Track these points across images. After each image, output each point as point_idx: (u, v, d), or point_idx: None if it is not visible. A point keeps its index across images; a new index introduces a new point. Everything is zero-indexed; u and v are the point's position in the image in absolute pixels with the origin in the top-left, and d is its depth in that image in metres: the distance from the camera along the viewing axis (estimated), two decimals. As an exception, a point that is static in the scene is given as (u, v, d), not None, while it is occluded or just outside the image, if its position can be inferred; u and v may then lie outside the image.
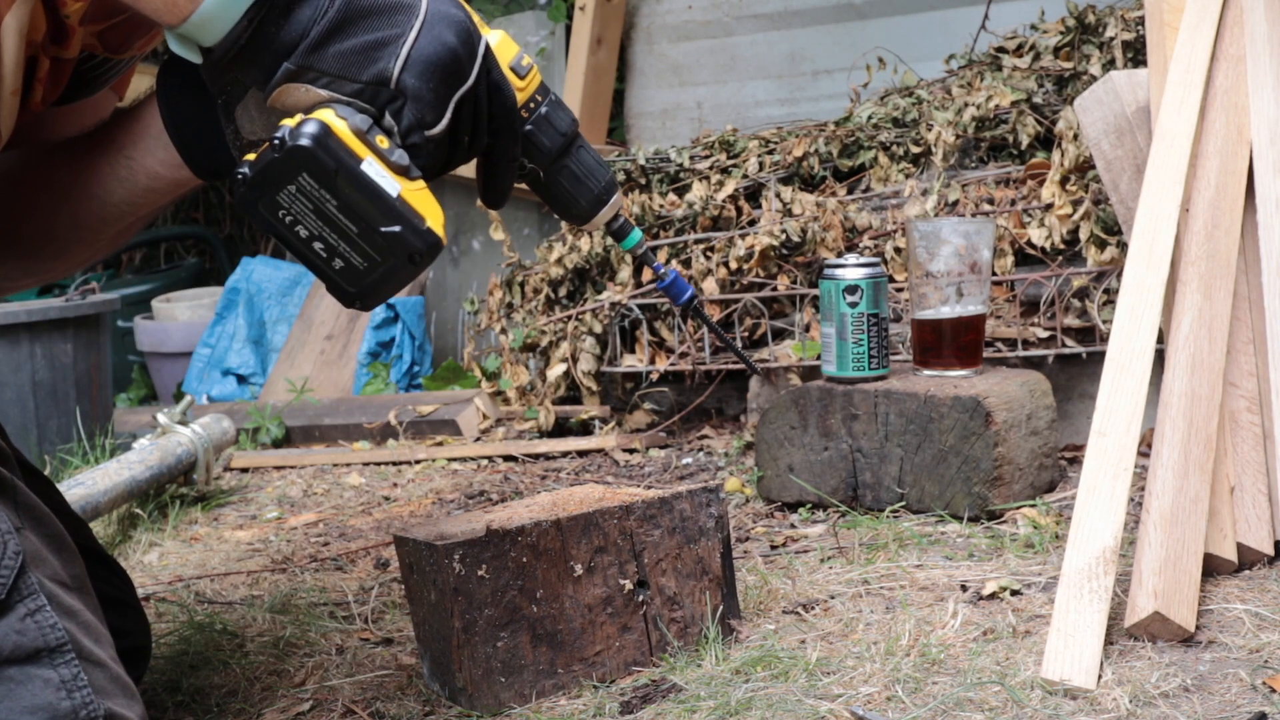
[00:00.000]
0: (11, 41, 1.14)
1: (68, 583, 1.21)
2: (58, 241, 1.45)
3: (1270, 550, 1.62)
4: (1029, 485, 2.03)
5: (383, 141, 1.20)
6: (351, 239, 1.20)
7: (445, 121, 1.22)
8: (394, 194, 1.19)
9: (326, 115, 1.18)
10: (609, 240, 2.80)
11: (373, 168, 1.18)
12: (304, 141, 1.16)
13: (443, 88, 1.20)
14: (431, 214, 1.22)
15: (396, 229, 1.19)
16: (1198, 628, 1.46)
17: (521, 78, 1.32)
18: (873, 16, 3.48)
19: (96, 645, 1.20)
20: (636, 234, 1.37)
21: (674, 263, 2.69)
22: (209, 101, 1.29)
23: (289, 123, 1.18)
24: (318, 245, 1.20)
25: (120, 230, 1.46)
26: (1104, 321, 2.30)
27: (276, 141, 1.17)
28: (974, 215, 2.49)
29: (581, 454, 2.72)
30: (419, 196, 1.21)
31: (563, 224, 2.94)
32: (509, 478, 2.62)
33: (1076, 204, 2.41)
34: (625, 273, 2.79)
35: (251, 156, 1.20)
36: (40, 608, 1.14)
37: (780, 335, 2.67)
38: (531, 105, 1.32)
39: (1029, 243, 2.46)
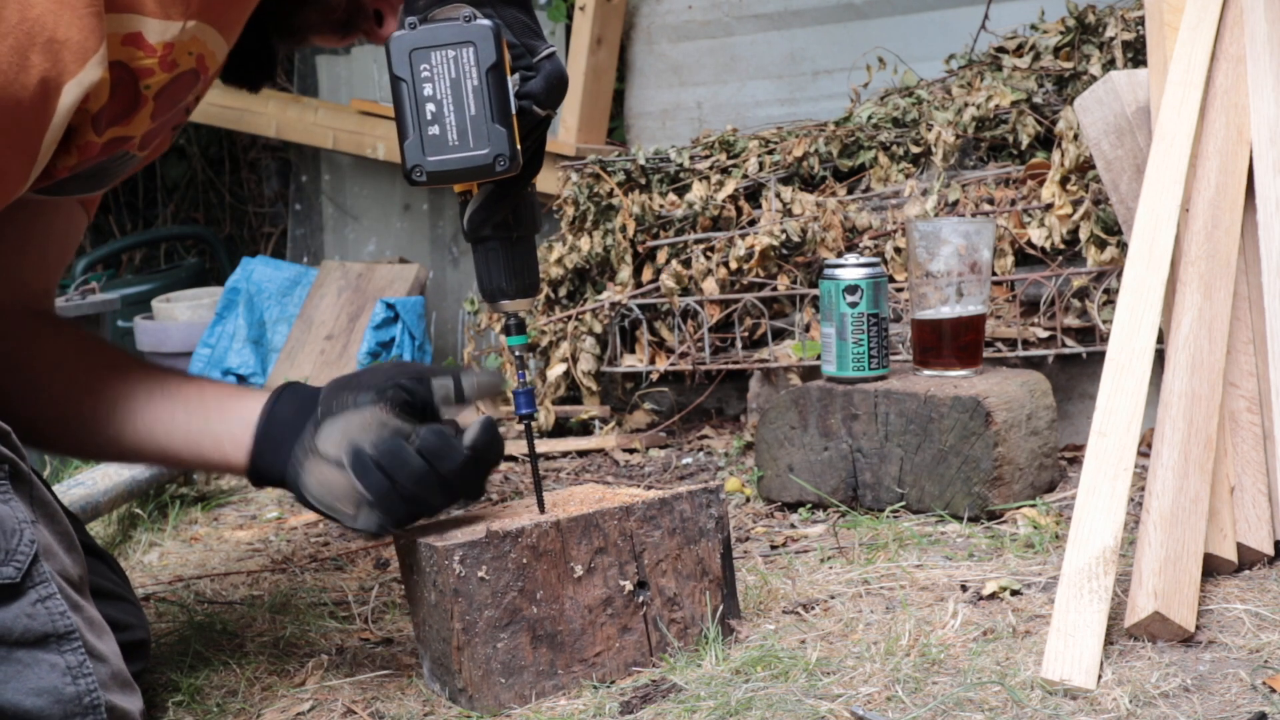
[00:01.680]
0: (70, 98, 1.19)
1: (75, 581, 1.24)
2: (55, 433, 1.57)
3: (1270, 550, 1.62)
4: (1029, 485, 2.03)
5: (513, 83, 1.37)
6: (464, 117, 1.32)
7: (544, 115, 1.39)
8: (514, 109, 1.34)
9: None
10: (609, 240, 2.80)
11: (511, 81, 1.35)
12: (489, 23, 1.32)
13: (555, 95, 1.39)
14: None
15: (504, 131, 1.33)
16: (1198, 628, 1.46)
17: None
18: (873, 16, 3.48)
19: (100, 641, 1.23)
20: (525, 338, 1.49)
21: (674, 263, 2.69)
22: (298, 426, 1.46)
23: (476, 10, 1.34)
24: (430, 106, 1.32)
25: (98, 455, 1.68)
26: (1104, 321, 2.30)
27: (467, 14, 1.32)
28: (974, 215, 2.49)
29: (581, 454, 2.72)
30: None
31: (563, 224, 2.94)
32: (509, 478, 2.62)
33: (1076, 204, 2.41)
34: (625, 273, 2.79)
35: (415, 20, 1.33)
36: (51, 595, 1.18)
37: (780, 335, 2.67)
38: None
39: (1029, 243, 2.46)
